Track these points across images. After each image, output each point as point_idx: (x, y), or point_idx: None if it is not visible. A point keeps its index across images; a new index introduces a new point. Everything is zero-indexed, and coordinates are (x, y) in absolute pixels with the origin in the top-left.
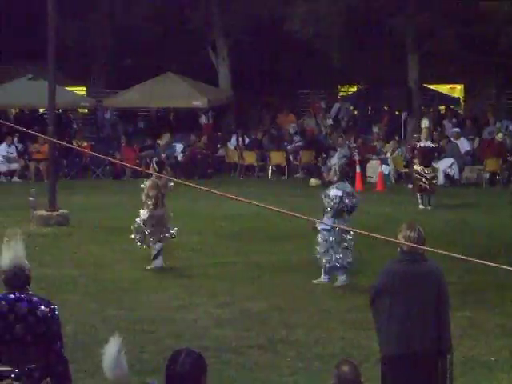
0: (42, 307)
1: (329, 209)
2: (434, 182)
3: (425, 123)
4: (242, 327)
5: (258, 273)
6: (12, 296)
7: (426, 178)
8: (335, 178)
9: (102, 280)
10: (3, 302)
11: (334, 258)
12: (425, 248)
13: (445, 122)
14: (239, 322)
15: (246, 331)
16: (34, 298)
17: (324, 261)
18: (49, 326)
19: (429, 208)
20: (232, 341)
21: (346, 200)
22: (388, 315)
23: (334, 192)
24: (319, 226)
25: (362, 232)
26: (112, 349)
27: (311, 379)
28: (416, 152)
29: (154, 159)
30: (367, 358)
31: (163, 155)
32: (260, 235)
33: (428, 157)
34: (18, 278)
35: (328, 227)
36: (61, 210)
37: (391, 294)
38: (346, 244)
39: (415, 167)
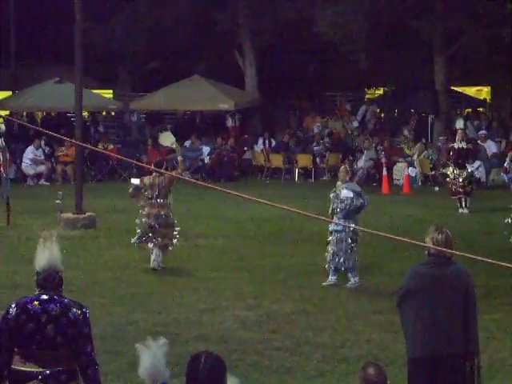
0: (74, 309)
1: (338, 209)
2: (470, 184)
3: (459, 124)
4: (268, 329)
5: (284, 275)
6: (45, 297)
7: (459, 180)
8: (347, 178)
9: (129, 283)
10: (36, 303)
11: (341, 260)
12: (450, 251)
13: (468, 124)
14: (265, 325)
15: (272, 333)
16: (66, 300)
17: (331, 262)
18: (80, 328)
19: (465, 211)
20: (258, 343)
21: (356, 201)
22: (414, 318)
23: (344, 193)
24: (331, 227)
25: (387, 235)
26: (154, 355)
27: (338, 382)
28: (451, 154)
29: (154, 161)
30: (394, 361)
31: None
32: (286, 238)
33: (463, 158)
34: (51, 279)
35: (340, 228)
36: (88, 213)
37: (418, 297)
38: (352, 245)
39: (449, 170)
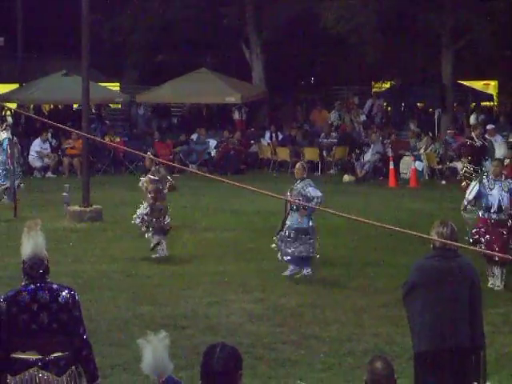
0: (63, 293)
1: (304, 208)
2: None
3: (480, 118)
4: (275, 323)
5: None
6: (32, 286)
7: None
8: (304, 175)
9: (136, 276)
10: (24, 293)
11: (292, 251)
12: (456, 244)
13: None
14: (272, 318)
15: (280, 327)
16: (54, 286)
17: (290, 251)
18: (71, 311)
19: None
20: (265, 336)
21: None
22: (420, 311)
23: (314, 192)
24: (296, 225)
25: (394, 228)
26: (155, 349)
27: (344, 375)
28: (465, 149)
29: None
30: (401, 355)
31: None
32: None
33: (478, 155)
34: (37, 268)
35: (304, 226)
36: (94, 206)
37: (423, 290)
38: (310, 236)
39: (465, 165)
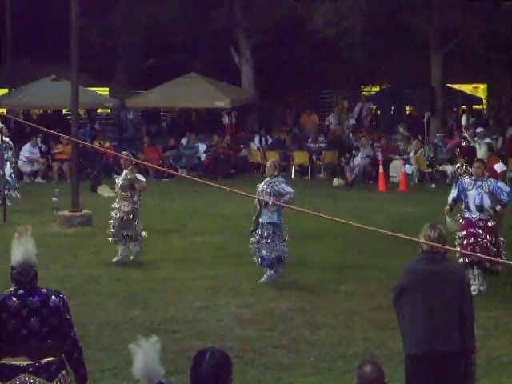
0: (53, 297)
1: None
2: None
3: (470, 120)
4: (266, 327)
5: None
6: (21, 291)
7: None
8: (275, 173)
9: (125, 280)
10: (14, 299)
11: (269, 253)
12: (444, 247)
13: (463, 119)
14: (262, 322)
15: (270, 331)
16: (44, 290)
17: (264, 253)
18: (62, 315)
19: None
20: (255, 341)
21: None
22: (410, 314)
23: (287, 188)
24: (265, 220)
25: (385, 232)
26: (147, 353)
27: (335, 379)
28: (460, 149)
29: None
30: (391, 358)
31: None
32: None
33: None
34: (26, 274)
35: (274, 221)
36: (84, 211)
37: (413, 294)
38: (280, 234)
39: (462, 165)
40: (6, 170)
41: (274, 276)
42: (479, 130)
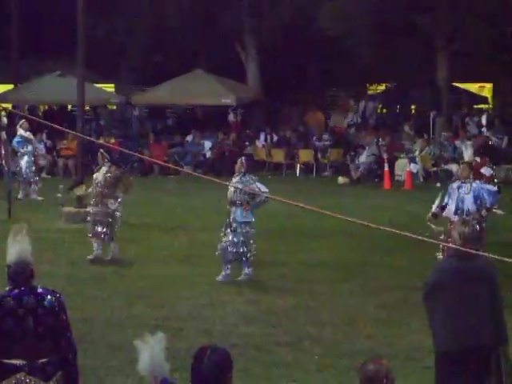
0: (49, 297)
1: (247, 203)
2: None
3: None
4: (269, 324)
5: (285, 270)
6: (17, 291)
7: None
8: (242, 170)
9: (130, 277)
10: (9, 298)
11: (241, 251)
12: (462, 248)
13: (468, 120)
14: (266, 320)
15: (274, 328)
16: (40, 290)
17: (235, 252)
18: (57, 315)
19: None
20: (259, 338)
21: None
22: (442, 312)
23: (262, 187)
24: (241, 219)
25: (391, 229)
26: (152, 350)
27: (339, 377)
28: (485, 149)
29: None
30: (395, 356)
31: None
32: (288, 233)
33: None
34: (22, 272)
35: (249, 219)
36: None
37: (444, 291)
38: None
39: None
40: (22, 163)
41: (250, 274)
42: (484, 129)
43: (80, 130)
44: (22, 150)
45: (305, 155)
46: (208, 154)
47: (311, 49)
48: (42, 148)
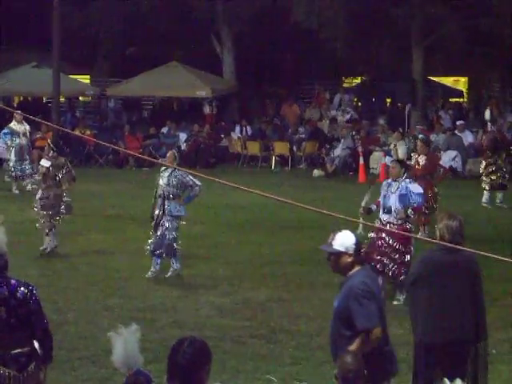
0: (22, 288)
1: (179, 194)
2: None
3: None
4: (244, 317)
5: (260, 263)
6: None
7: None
8: (175, 164)
9: (105, 268)
10: None
11: (173, 246)
12: (437, 242)
13: (441, 114)
14: (241, 312)
15: (248, 321)
16: (13, 281)
17: (176, 246)
18: (29, 306)
19: (504, 206)
20: (233, 330)
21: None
22: (426, 304)
23: (196, 181)
24: (175, 213)
25: (366, 223)
26: (126, 342)
27: (314, 369)
28: (499, 144)
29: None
30: None
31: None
32: (262, 225)
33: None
34: None
35: (181, 214)
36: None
37: (427, 282)
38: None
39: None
40: (10, 157)
41: (179, 269)
42: (459, 122)
43: (55, 122)
44: (8, 143)
45: (280, 147)
46: (183, 146)
47: (286, 41)
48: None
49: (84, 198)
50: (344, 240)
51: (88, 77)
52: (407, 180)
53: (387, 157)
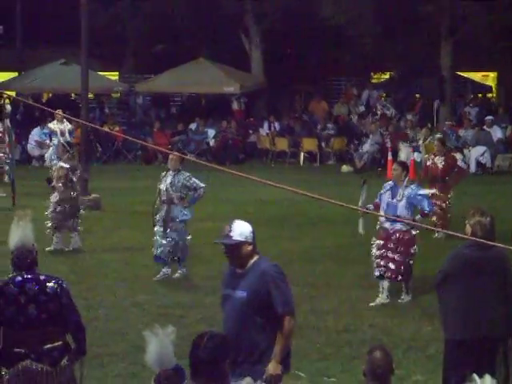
0: (51, 284)
1: (183, 198)
2: None
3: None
4: None
5: (288, 259)
6: (20, 278)
7: None
8: (180, 167)
9: (134, 264)
10: (12, 286)
11: (176, 250)
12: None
13: (468, 110)
14: None
15: None
16: (42, 277)
17: (171, 251)
18: (60, 300)
19: None
20: None
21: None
22: (456, 300)
23: (200, 182)
24: (181, 217)
25: (395, 218)
26: (161, 343)
27: (342, 365)
28: None
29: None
30: (397, 345)
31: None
32: (290, 221)
33: None
34: (25, 258)
35: (187, 217)
36: (93, 195)
37: (458, 279)
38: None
39: None
40: (46, 155)
41: (168, 273)
42: (488, 117)
43: (84, 118)
44: (47, 142)
45: (308, 144)
46: (211, 143)
47: (315, 37)
48: (46, 136)
49: (113, 194)
50: (242, 229)
51: (117, 73)
52: (412, 186)
53: (415, 153)
